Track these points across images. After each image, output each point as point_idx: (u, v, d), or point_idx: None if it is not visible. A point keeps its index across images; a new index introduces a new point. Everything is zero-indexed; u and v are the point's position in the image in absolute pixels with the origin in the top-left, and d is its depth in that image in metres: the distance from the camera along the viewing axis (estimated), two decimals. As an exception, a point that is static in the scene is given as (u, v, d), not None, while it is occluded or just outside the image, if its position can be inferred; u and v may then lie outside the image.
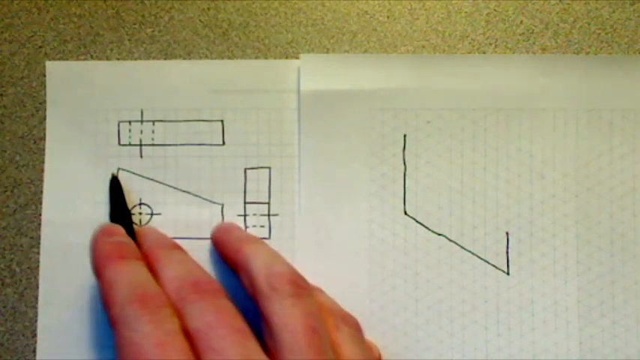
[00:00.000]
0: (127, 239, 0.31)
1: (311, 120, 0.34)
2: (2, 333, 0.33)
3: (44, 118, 0.34)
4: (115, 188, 0.33)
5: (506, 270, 0.34)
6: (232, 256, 0.31)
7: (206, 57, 0.35)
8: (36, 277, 0.33)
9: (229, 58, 0.35)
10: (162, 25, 0.35)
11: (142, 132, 0.34)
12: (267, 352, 0.26)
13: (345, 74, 0.34)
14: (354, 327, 0.30)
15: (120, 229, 0.31)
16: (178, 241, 0.33)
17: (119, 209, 0.33)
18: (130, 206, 0.34)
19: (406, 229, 0.34)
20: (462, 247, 0.34)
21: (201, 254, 0.33)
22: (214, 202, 0.34)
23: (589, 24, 0.35)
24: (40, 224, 0.34)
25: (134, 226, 0.33)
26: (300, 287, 0.28)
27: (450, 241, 0.34)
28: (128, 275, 0.28)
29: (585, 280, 0.33)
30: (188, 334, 0.26)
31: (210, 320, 0.26)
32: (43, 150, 0.34)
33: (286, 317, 0.26)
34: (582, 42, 0.35)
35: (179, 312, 0.27)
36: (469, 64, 0.34)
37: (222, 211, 0.34)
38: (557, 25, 0.35)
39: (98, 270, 0.29)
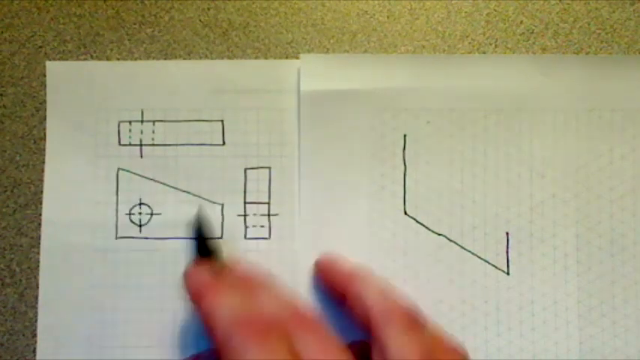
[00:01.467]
0: (219, 270, 0.30)
1: (311, 120, 0.34)
2: (2, 333, 0.33)
3: (44, 118, 0.34)
4: (201, 223, 0.32)
5: (506, 270, 0.34)
6: (342, 285, 0.31)
7: (206, 57, 0.35)
8: (36, 277, 0.33)
9: (229, 58, 0.35)
10: (162, 25, 0.35)
11: (142, 132, 0.34)
12: None
13: (345, 74, 0.34)
14: (464, 359, 0.30)
15: (209, 262, 0.30)
16: (178, 241, 0.33)
17: (207, 243, 0.31)
18: (130, 205, 0.34)
19: (406, 229, 0.34)
20: (462, 247, 0.34)
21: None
22: (214, 202, 0.34)
23: (589, 24, 0.35)
24: (40, 224, 0.34)
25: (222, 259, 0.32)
26: (417, 320, 0.28)
27: (450, 241, 0.34)
28: (229, 300, 0.27)
29: (585, 280, 0.33)
30: None
31: (316, 351, 0.26)
32: (43, 150, 0.34)
33: (405, 350, 0.27)
34: (582, 42, 0.35)
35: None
36: (469, 64, 0.34)
37: (222, 211, 0.34)
38: (557, 25, 0.35)
39: (197, 298, 0.28)
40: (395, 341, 0.27)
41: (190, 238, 0.31)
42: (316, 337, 0.27)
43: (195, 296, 0.28)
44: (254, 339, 0.25)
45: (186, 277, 0.29)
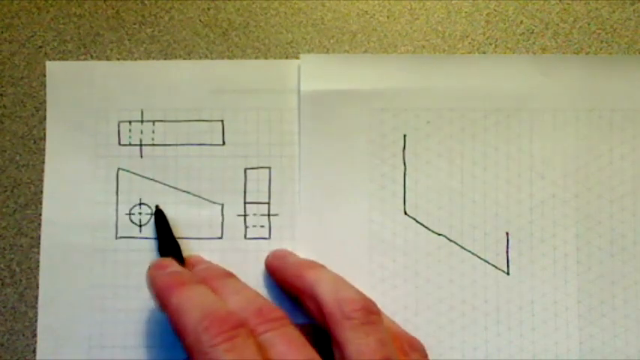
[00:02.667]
0: (182, 268, 0.30)
1: (311, 120, 0.34)
2: (2, 333, 0.33)
3: (44, 118, 0.34)
4: (161, 221, 0.33)
5: (506, 270, 0.34)
6: (293, 282, 0.31)
7: (206, 57, 0.35)
8: (36, 277, 0.33)
9: (229, 58, 0.35)
10: (163, 25, 0.35)
11: (142, 132, 0.34)
12: None
13: (345, 74, 0.34)
14: (421, 352, 0.30)
15: (172, 261, 0.31)
16: (178, 242, 0.33)
17: (167, 241, 0.32)
18: (130, 205, 0.34)
19: (406, 229, 0.34)
20: (462, 247, 0.34)
21: (201, 254, 0.33)
22: (214, 202, 0.34)
23: (589, 24, 0.35)
24: (40, 224, 0.34)
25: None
26: (371, 313, 0.28)
27: (450, 241, 0.34)
28: (195, 299, 0.27)
29: (585, 280, 0.33)
30: None
31: (282, 351, 0.26)
32: (43, 150, 0.34)
33: (361, 346, 0.27)
34: (582, 42, 0.35)
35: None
36: (469, 64, 0.34)
37: (222, 211, 0.34)
38: (557, 25, 0.35)
39: (163, 301, 0.28)
40: (352, 338, 0.27)
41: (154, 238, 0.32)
42: (282, 335, 0.27)
43: (163, 295, 0.28)
44: (223, 337, 0.25)
45: (152, 276, 0.29)
